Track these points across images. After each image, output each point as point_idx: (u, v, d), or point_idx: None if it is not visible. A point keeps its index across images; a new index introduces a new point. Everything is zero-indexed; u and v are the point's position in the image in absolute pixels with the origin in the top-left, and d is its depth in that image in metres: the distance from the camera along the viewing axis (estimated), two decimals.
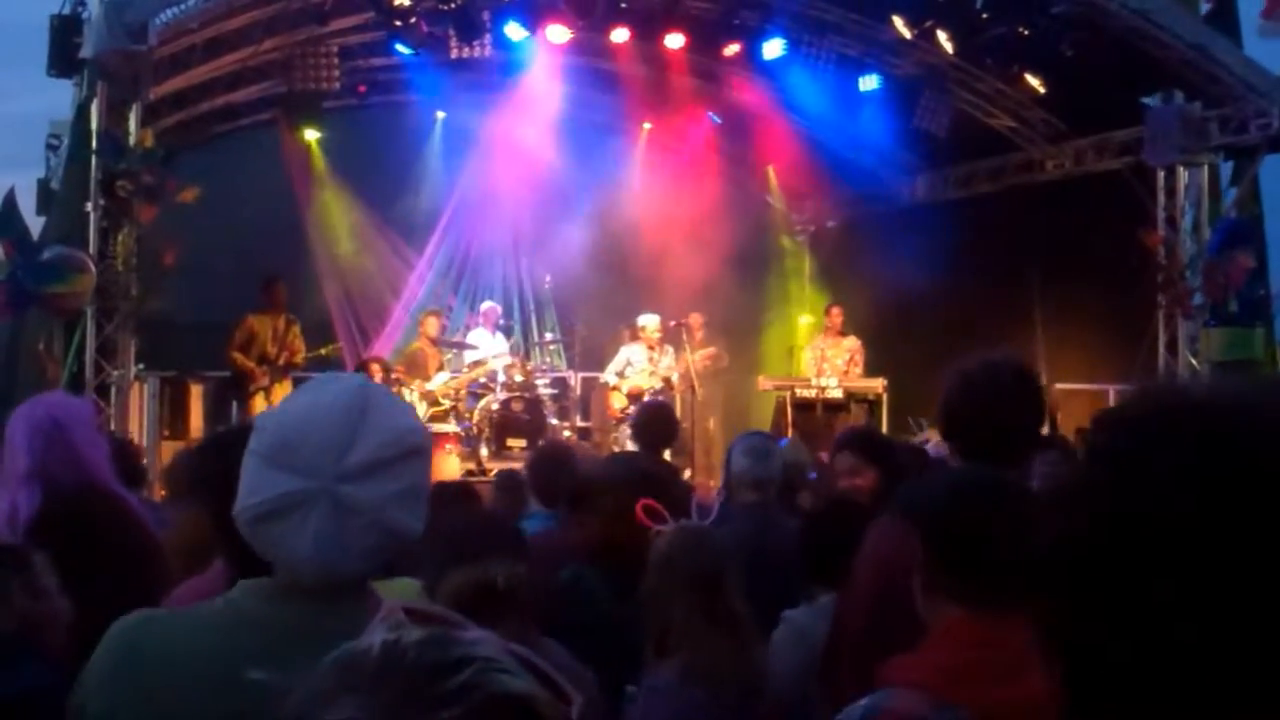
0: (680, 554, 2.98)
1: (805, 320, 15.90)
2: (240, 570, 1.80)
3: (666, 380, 12.43)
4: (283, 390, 11.20)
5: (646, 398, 11.77)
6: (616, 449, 11.26)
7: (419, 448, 1.66)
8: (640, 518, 3.17)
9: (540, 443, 10.27)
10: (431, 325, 12.66)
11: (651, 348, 12.53)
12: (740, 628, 2.94)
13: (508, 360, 12.52)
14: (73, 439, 3.33)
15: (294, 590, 1.60)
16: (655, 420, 6.12)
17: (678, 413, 12.55)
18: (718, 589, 2.94)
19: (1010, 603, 1.98)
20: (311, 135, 13.98)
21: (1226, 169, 12.23)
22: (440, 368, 12.48)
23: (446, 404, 12.13)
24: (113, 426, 9.75)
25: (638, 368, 12.53)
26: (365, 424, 1.60)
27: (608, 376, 12.79)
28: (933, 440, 11.29)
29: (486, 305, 13.61)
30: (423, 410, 11.68)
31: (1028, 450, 2.66)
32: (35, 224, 10.76)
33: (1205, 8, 11.90)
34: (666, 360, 12.52)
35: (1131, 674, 0.92)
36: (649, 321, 12.53)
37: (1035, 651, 1.87)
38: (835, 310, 13.45)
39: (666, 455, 7.25)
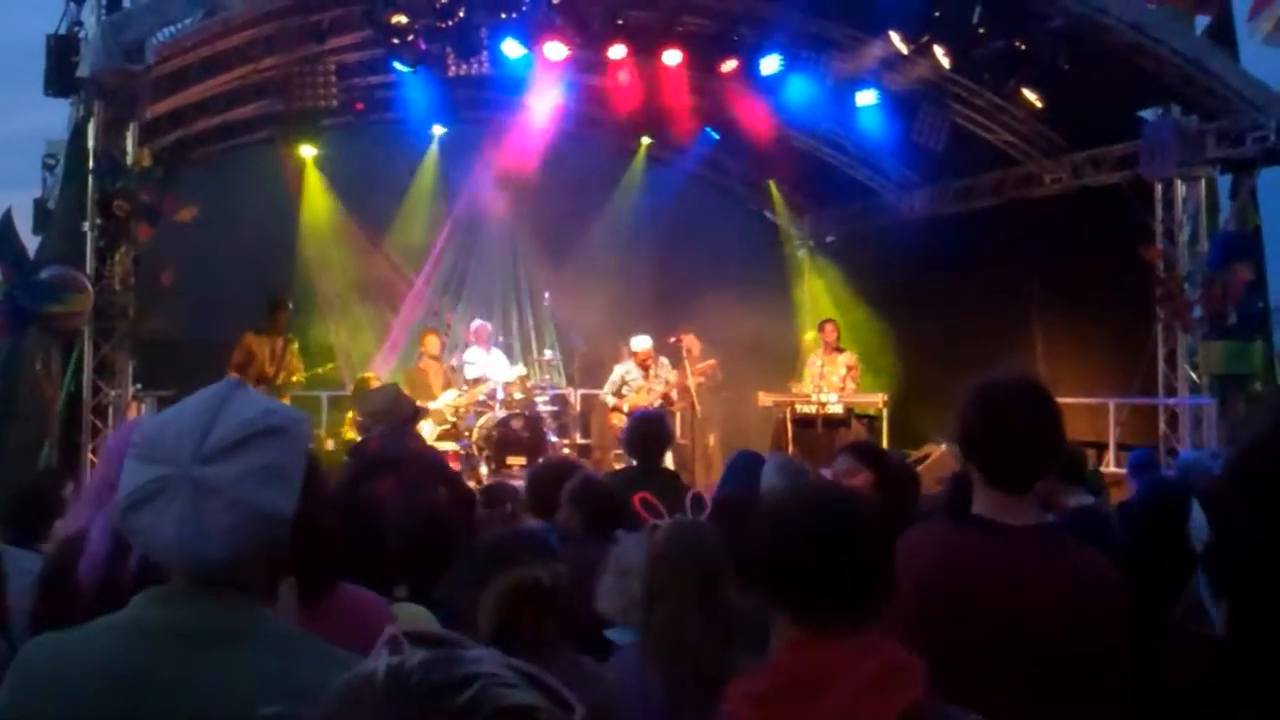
0: (676, 548, 2.97)
1: (808, 335, 15.91)
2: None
3: (665, 396, 12.43)
4: None
5: None
6: (618, 466, 11.22)
7: (280, 427, 1.65)
8: (637, 510, 3.18)
9: (541, 459, 10.24)
10: (432, 343, 12.63)
11: (644, 366, 12.51)
12: (733, 624, 2.89)
13: (509, 378, 12.48)
14: None
15: (184, 592, 1.61)
16: (646, 430, 6.09)
17: (678, 429, 12.57)
18: (713, 583, 2.92)
19: (846, 625, 2.00)
20: (309, 153, 14.01)
21: (1224, 182, 12.25)
22: (447, 385, 12.42)
23: (449, 422, 12.11)
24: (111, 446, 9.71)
25: (634, 385, 12.53)
26: (225, 410, 1.62)
27: (606, 397, 12.79)
28: (933, 455, 11.34)
29: (476, 324, 13.47)
30: (431, 429, 11.62)
31: (1049, 468, 2.65)
32: (32, 244, 10.75)
33: (1201, 22, 11.92)
34: (662, 375, 12.52)
35: None
36: (640, 345, 12.52)
37: (849, 672, 1.88)
38: (829, 326, 13.45)
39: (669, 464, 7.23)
